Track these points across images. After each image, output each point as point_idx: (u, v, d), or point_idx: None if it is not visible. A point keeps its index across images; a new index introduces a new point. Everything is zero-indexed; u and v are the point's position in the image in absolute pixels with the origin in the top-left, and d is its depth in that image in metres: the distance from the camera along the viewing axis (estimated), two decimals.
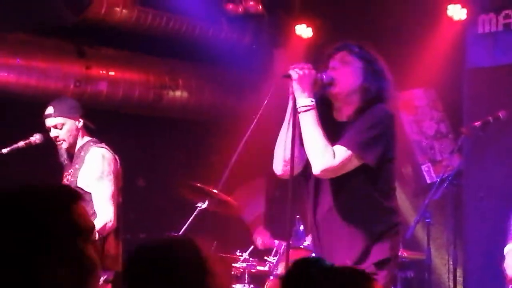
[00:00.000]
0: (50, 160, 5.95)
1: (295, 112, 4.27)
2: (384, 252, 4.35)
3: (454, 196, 6.62)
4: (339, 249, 4.34)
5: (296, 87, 4.23)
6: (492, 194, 7.13)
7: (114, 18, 8.03)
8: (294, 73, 4.23)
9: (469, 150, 6.51)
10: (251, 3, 8.59)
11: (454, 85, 7.66)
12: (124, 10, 8.06)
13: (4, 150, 5.82)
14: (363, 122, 4.28)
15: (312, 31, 8.76)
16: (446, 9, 7.70)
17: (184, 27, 8.56)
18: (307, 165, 4.38)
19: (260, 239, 7.35)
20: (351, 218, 4.35)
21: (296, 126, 4.27)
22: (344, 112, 4.41)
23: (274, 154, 4.49)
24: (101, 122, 7.21)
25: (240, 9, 8.60)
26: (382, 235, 4.36)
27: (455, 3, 7.67)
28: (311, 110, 4.21)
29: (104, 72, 8.33)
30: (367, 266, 4.24)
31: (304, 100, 4.21)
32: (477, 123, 6.13)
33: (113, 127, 8.11)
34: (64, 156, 5.85)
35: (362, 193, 4.35)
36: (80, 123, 5.78)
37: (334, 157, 4.20)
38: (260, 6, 8.61)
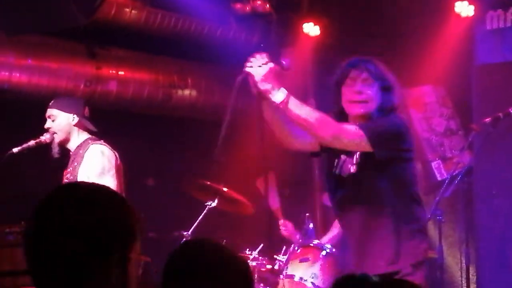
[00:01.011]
0: (57, 159, 5.84)
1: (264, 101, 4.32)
2: (419, 252, 4.38)
3: (465, 193, 6.52)
4: (371, 249, 4.36)
5: (264, 86, 4.23)
6: (504, 190, 7.04)
7: (123, 19, 8.03)
8: (255, 72, 4.24)
9: (479, 146, 6.38)
10: (259, 2, 8.53)
11: (463, 81, 7.59)
12: (133, 11, 8.06)
13: (15, 150, 5.73)
14: (380, 120, 4.38)
15: (320, 29, 8.70)
16: (454, 6, 7.61)
17: (192, 27, 8.54)
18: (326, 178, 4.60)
19: (284, 228, 7.26)
20: (381, 217, 4.38)
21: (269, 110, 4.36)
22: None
23: (276, 136, 4.56)
24: (111, 121, 7.34)
25: (248, 8, 8.54)
26: (414, 234, 4.39)
27: (462, 0, 7.57)
28: (291, 98, 4.20)
29: (114, 72, 8.33)
30: (403, 266, 4.28)
31: (278, 94, 4.21)
32: (488, 120, 6.02)
33: (123, 126, 8.13)
34: (55, 150, 5.75)
35: (391, 192, 4.37)
36: (75, 120, 5.68)
37: (336, 123, 4.27)
38: (268, 5, 8.55)
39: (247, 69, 4.28)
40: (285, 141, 4.58)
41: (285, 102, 4.19)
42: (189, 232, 6.87)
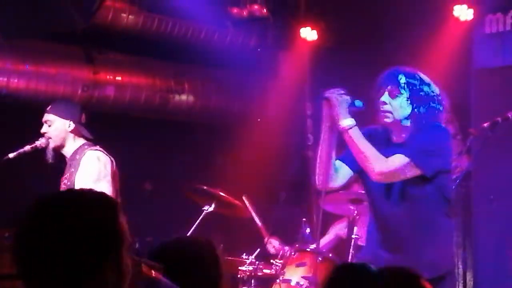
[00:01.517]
0: (54, 164, 5.80)
1: (334, 132, 4.59)
2: (451, 262, 4.72)
3: (463, 197, 6.47)
4: (407, 258, 4.42)
5: (337, 111, 4.53)
6: (502, 195, 6.94)
7: (121, 23, 8.06)
8: (334, 99, 4.54)
9: (477, 151, 6.29)
10: (256, 6, 8.48)
11: (462, 86, 7.47)
12: (130, 16, 8.08)
13: (11, 155, 5.69)
14: (421, 137, 4.52)
15: (317, 33, 8.64)
16: (453, 9, 7.56)
17: (189, 32, 8.54)
18: (363, 179, 4.74)
19: (272, 245, 7.25)
20: (415, 226, 4.55)
21: (330, 144, 4.62)
22: (400, 134, 4.65)
23: (317, 171, 4.72)
24: (109, 126, 7.40)
25: (245, 13, 8.52)
26: (446, 244, 4.63)
27: (461, 4, 7.52)
28: (354, 127, 4.52)
29: (111, 77, 8.33)
30: (439, 276, 4.45)
31: (346, 120, 4.52)
32: (486, 124, 5.93)
33: (120, 131, 8.10)
34: (50, 155, 5.70)
35: (427, 203, 4.54)
36: (71, 126, 5.63)
37: (387, 161, 4.47)
38: (265, 10, 8.52)
39: (326, 94, 4.58)
40: (323, 175, 4.71)
41: (350, 129, 4.50)
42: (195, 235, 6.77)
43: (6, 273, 5.51)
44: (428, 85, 4.69)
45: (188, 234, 6.71)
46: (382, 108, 4.58)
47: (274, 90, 9.15)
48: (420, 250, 4.51)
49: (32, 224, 2.18)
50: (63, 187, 5.61)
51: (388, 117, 4.57)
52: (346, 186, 5.20)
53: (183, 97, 8.83)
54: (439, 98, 4.70)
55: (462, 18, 7.50)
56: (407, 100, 4.56)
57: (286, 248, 6.91)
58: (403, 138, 4.61)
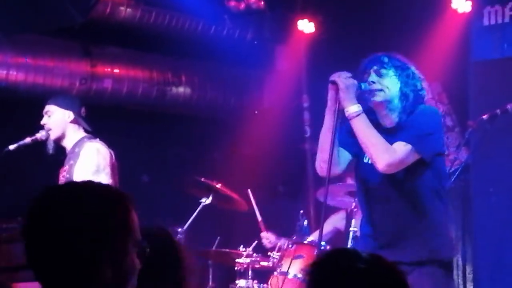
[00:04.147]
0: (53, 156, 5.81)
1: (339, 117, 4.41)
2: (451, 248, 4.52)
3: (462, 190, 6.34)
4: (402, 246, 4.38)
5: (344, 96, 4.35)
6: (501, 188, 6.77)
7: (118, 17, 7.99)
8: (341, 82, 4.35)
9: (476, 143, 6.16)
10: None
11: (460, 78, 7.37)
12: (128, 9, 8.02)
13: (12, 147, 5.69)
14: (416, 121, 4.40)
15: (314, 26, 8.49)
16: (451, 1, 7.38)
17: (186, 25, 8.43)
18: (356, 164, 4.59)
19: (268, 240, 7.15)
20: (411, 213, 4.41)
21: (334, 131, 4.41)
22: (389, 118, 4.49)
23: (317, 157, 4.57)
24: (106, 119, 7.34)
25: (242, 5, 8.39)
26: (445, 231, 4.47)
27: None
28: (362, 114, 4.35)
29: (109, 69, 8.27)
30: (439, 264, 4.37)
31: (353, 106, 4.35)
32: (485, 116, 5.80)
33: (118, 123, 8.11)
34: (50, 147, 5.73)
35: (421, 188, 4.41)
36: (70, 117, 5.66)
37: (395, 151, 4.31)
38: (262, 2, 8.37)
39: (333, 77, 4.39)
40: (321, 162, 4.54)
41: (357, 116, 4.34)
42: (184, 229, 6.76)
43: (3, 265, 5.47)
44: (412, 68, 4.53)
45: (185, 227, 6.65)
46: (371, 87, 4.41)
47: (271, 82, 9.06)
48: (420, 237, 4.37)
49: (38, 215, 2.17)
50: (62, 179, 5.60)
51: (379, 95, 4.41)
52: (341, 177, 5.03)
53: (180, 90, 8.74)
54: (423, 82, 4.55)
55: (461, 10, 7.35)
56: (395, 78, 4.42)
57: (283, 240, 6.81)
58: (394, 122, 4.46)
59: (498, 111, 5.79)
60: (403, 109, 4.42)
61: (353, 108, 4.33)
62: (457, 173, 6.11)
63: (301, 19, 8.51)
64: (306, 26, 8.51)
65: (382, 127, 4.45)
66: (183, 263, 2.86)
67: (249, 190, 7.12)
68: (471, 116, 6.69)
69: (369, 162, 4.46)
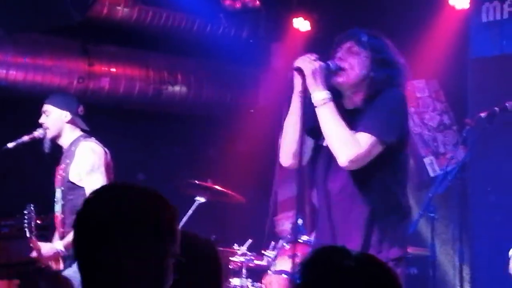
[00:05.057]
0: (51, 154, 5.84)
1: (306, 105, 4.07)
2: (401, 248, 4.09)
3: (459, 190, 6.21)
4: (351, 240, 3.97)
5: (309, 81, 3.99)
6: (499, 187, 6.64)
7: (115, 16, 7.95)
8: (306, 67, 4.00)
9: (474, 142, 6.03)
10: None
11: (458, 75, 7.24)
12: (125, 9, 7.97)
13: (10, 145, 5.74)
14: (378, 106, 4.03)
15: (310, 24, 8.37)
16: None
17: (183, 24, 8.36)
18: (315, 154, 4.21)
19: (283, 224, 7.06)
20: (365, 206, 4.05)
21: (300, 119, 4.07)
22: (352, 100, 4.16)
23: (281, 147, 4.23)
24: (103, 117, 7.33)
25: (237, 4, 8.28)
26: (399, 231, 4.10)
27: None
28: (329, 102, 3.99)
29: (106, 68, 8.20)
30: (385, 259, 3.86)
31: (320, 93, 3.99)
32: (483, 114, 5.66)
33: (114, 122, 8.05)
34: (47, 145, 5.74)
35: (381, 183, 4.06)
36: (67, 117, 5.68)
37: (359, 145, 3.95)
38: (258, 1, 8.27)
39: (297, 63, 4.03)
40: (286, 152, 4.22)
41: (323, 104, 3.98)
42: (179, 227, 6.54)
43: (1, 262, 5.60)
44: (392, 52, 4.16)
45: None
46: (339, 65, 4.07)
47: (267, 81, 8.95)
48: (378, 232, 4.02)
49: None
50: (58, 177, 5.63)
51: (342, 76, 4.05)
52: None
53: (176, 88, 8.65)
54: (402, 68, 4.16)
55: (458, 7, 7.21)
56: (367, 59, 4.07)
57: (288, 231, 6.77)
58: (356, 104, 4.12)
59: (496, 109, 5.62)
60: (368, 93, 4.09)
61: (319, 95, 3.98)
62: (454, 172, 5.97)
63: (297, 17, 8.39)
64: (301, 24, 8.38)
65: (343, 108, 4.10)
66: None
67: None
68: (469, 114, 6.55)
69: (325, 144, 4.11)
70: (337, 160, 3.96)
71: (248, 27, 8.74)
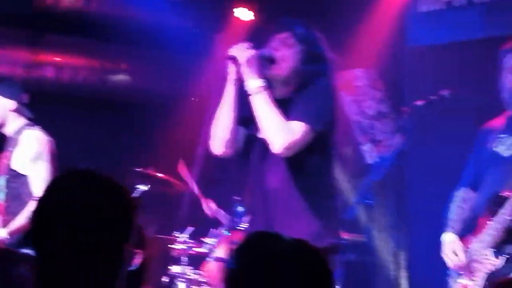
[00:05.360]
0: None
1: (241, 94, 4.11)
2: (334, 234, 4.16)
3: (396, 177, 6.27)
4: (285, 227, 3.93)
5: (244, 70, 4.04)
6: (436, 175, 6.70)
7: (61, 5, 7.90)
8: (240, 56, 4.05)
9: (411, 130, 6.07)
10: None
11: (395, 64, 7.34)
12: None
13: None
14: (309, 96, 4.10)
15: (253, 14, 8.39)
16: None
17: (127, 13, 8.31)
18: (247, 144, 4.25)
19: (209, 207, 6.96)
20: (301, 198, 4.10)
21: (233, 107, 4.15)
22: (282, 90, 4.19)
23: (212, 135, 4.27)
24: (48, 106, 7.16)
25: None
26: (332, 218, 4.16)
27: None
28: (264, 91, 4.02)
29: (51, 57, 8.20)
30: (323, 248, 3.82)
31: (254, 81, 4.03)
32: (420, 102, 5.64)
33: (59, 111, 7.96)
34: None
35: (312, 170, 4.13)
36: (11, 105, 5.62)
37: (293, 133, 4.00)
38: None
39: (231, 52, 4.09)
40: (218, 140, 4.25)
41: (257, 92, 4.01)
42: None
43: None
44: (324, 47, 4.24)
45: None
46: (272, 55, 4.11)
47: (210, 70, 8.92)
48: (312, 218, 4.07)
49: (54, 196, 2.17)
50: (2, 165, 5.58)
51: (274, 66, 4.11)
52: None
53: (120, 77, 8.64)
54: (332, 63, 4.23)
55: None
56: (300, 53, 4.13)
57: (222, 212, 6.76)
58: (286, 94, 4.15)
59: (433, 97, 5.56)
60: (298, 84, 4.13)
61: (253, 84, 4.02)
62: (391, 159, 5.89)
63: (239, 7, 8.41)
64: (243, 14, 8.40)
65: (274, 98, 4.08)
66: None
67: (181, 161, 6.92)
68: (406, 102, 6.55)
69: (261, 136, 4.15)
70: (272, 147, 4.01)
71: (192, 16, 8.69)
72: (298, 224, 4.02)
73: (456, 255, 4.57)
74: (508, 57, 4.52)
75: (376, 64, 7.67)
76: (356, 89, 7.89)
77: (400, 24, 7.18)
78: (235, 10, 8.39)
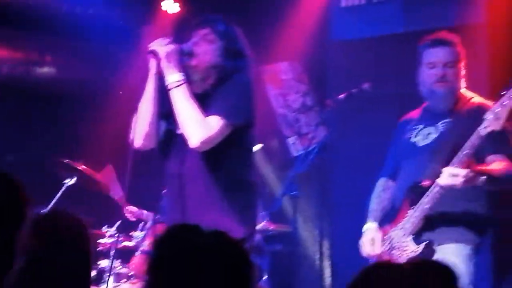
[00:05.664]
0: None
1: (163, 88, 4.11)
2: (251, 226, 4.21)
3: (320, 168, 6.34)
4: (203, 220, 3.71)
5: (164, 64, 4.08)
6: (357, 165, 6.80)
7: None
8: (161, 50, 4.09)
9: (334, 122, 6.15)
10: None
11: (319, 58, 7.37)
12: None
13: None
14: (227, 91, 4.14)
15: (180, 6, 8.33)
16: None
17: (53, 4, 8.18)
18: (167, 138, 4.26)
19: (130, 212, 6.95)
20: (215, 192, 4.14)
21: (154, 101, 4.17)
22: (201, 84, 4.22)
23: (132, 129, 4.27)
24: None
25: None
26: (245, 211, 4.19)
27: None
28: (183, 85, 4.06)
29: None
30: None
31: (174, 75, 4.07)
32: (342, 96, 5.68)
33: None
34: None
35: (227, 165, 4.16)
36: None
37: (211, 128, 4.04)
38: None
39: (152, 46, 4.13)
40: (138, 134, 4.26)
41: (176, 86, 4.05)
42: (47, 209, 6.42)
43: None
44: (244, 43, 4.28)
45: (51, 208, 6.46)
46: (192, 50, 4.16)
47: (137, 63, 8.84)
48: (228, 211, 4.10)
49: None
50: None
51: (193, 60, 4.15)
52: None
53: (45, 69, 8.50)
54: (251, 60, 4.28)
55: None
56: (219, 49, 4.18)
57: (145, 212, 6.76)
58: (205, 89, 4.17)
59: (354, 90, 5.65)
60: (217, 79, 4.16)
61: (173, 78, 4.06)
62: (315, 151, 6.01)
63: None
64: (170, 6, 8.34)
65: (194, 92, 4.13)
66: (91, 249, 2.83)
67: (110, 166, 6.96)
68: (329, 96, 6.62)
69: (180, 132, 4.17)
70: (189, 142, 4.04)
71: (118, 8, 8.59)
72: (213, 217, 4.01)
73: (373, 244, 4.69)
74: (426, 53, 4.64)
75: (300, 58, 7.69)
76: (281, 82, 7.92)
77: (324, 18, 7.21)
78: (162, 3, 8.31)
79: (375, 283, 2.04)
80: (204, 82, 4.19)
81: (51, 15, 8.19)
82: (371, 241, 4.72)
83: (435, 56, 4.60)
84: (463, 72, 4.63)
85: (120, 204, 6.88)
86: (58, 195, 6.52)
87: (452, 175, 4.21)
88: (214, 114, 4.06)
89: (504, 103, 4.14)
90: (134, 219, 6.89)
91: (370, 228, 4.77)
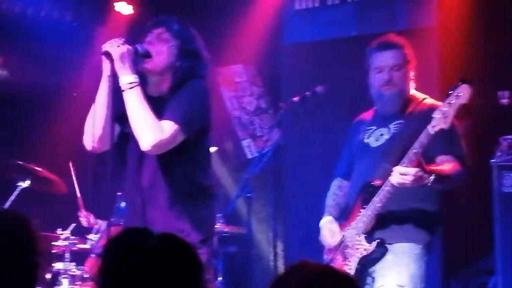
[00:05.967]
0: None
1: (115, 90, 4.04)
2: (206, 229, 4.19)
3: (274, 170, 6.33)
4: (157, 223, 4.01)
5: (117, 65, 4.00)
6: (311, 167, 6.86)
7: None
8: (114, 51, 4.01)
9: (288, 124, 6.19)
10: None
11: (273, 61, 7.41)
12: None
13: None
14: (182, 96, 4.10)
15: (133, 8, 8.31)
16: None
17: (3, 5, 8.11)
18: (122, 141, 4.20)
19: (85, 219, 6.90)
20: (172, 196, 4.11)
21: (106, 103, 4.08)
22: (157, 87, 4.19)
23: (85, 130, 4.24)
24: None
25: None
26: (203, 214, 4.19)
27: None
28: (136, 87, 3.99)
29: None
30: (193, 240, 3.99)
31: (127, 77, 3.99)
32: (296, 98, 5.73)
33: None
34: None
35: (182, 169, 4.13)
36: None
37: (163, 132, 3.98)
38: None
39: (105, 47, 4.05)
40: (89, 136, 4.21)
41: (130, 87, 3.98)
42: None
43: None
44: (199, 44, 4.25)
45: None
46: (146, 51, 4.11)
47: (91, 65, 8.81)
48: (182, 214, 4.09)
49: None
50: None
51: (148, 61, 4.10)
52: None
53: None
54: (206, 61, 4.25)
55: None
56: (175, 48, 4.14)
57: (100, 222, 6.69)
58: (161, 92, 4.15)
59: (308, 92, 5.73)
60: (173, 82, 4.13)
61: (126, 79, 3.98)
62: (269, 153, 6.02)
63: (119, 1, 8.30)
64: (123, 8, 8.30)
65: (148, 95, 4.08)
66: (37, 248, 2.75)
67: (70, 164, 6.88)
68: (283, 98, 6.67)
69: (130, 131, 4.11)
70: (140, 145, 3.99)
71: (71, 10, 8.56)
72: (170, 220, 4.04)
73: (333, 235, 4.73)
74: (374, 57, 4.70)
75: (254, 61, 7.73)
76: (236, 85, 7.94)
77: (278, 21, 7.25)
78: (115, 4, 8.28)
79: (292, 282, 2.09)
80: (160, 85, 4.17)
81: (2, 17, 8.14)
82: (330, 232, 4.76)
83: (381, 60, 4.66)
84: (411, 74, 4.69)
85: (78, 206, 6.88)
86: (12, 197, 6.48)
87: (402, 174, 4.26)
88: (168, 119, 4.02)
89: (451, 102, 4.21)
90: (87, 226, 6.86)
91: (326, 221, 4.82)
